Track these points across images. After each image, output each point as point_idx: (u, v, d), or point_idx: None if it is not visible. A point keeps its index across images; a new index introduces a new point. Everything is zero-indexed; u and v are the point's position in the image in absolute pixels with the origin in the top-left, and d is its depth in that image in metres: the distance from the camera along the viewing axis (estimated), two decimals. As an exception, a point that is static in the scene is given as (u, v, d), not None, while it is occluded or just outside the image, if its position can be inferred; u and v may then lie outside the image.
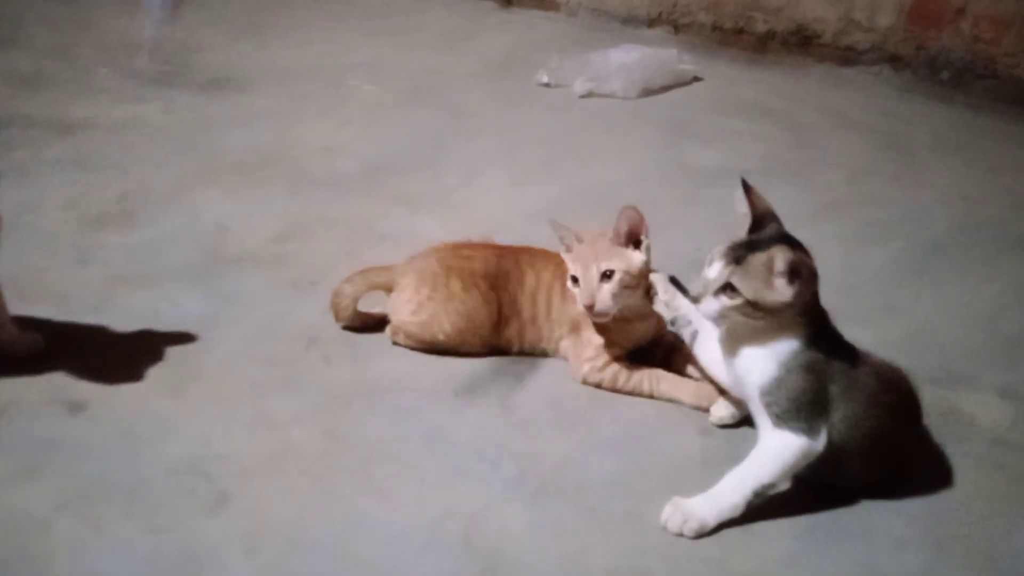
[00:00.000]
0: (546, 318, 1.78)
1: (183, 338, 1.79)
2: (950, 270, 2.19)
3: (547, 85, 3.24)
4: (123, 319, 1.83)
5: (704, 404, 1.66)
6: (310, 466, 1.51)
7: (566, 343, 1.78)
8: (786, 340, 1.42)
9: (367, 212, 2.33)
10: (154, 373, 1.69)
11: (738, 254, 1.40)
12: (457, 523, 1.41)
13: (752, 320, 1.41)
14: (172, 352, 1.75)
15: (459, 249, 1.84)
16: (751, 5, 3.58)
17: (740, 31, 3.64)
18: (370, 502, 1.45)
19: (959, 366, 1.83)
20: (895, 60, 3.39)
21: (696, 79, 3.32)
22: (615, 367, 1.71)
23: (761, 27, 3.59)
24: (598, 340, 1.71)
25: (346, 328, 1.84)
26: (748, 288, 1.38)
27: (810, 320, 1.43)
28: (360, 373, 1.75)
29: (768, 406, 1.42)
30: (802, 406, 1.41)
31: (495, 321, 1.78)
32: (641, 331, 1.74)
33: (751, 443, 1.59)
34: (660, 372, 1.71)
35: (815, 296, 1.44)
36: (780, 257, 1.37)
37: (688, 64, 3.32)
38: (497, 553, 1.37)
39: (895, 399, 1.48)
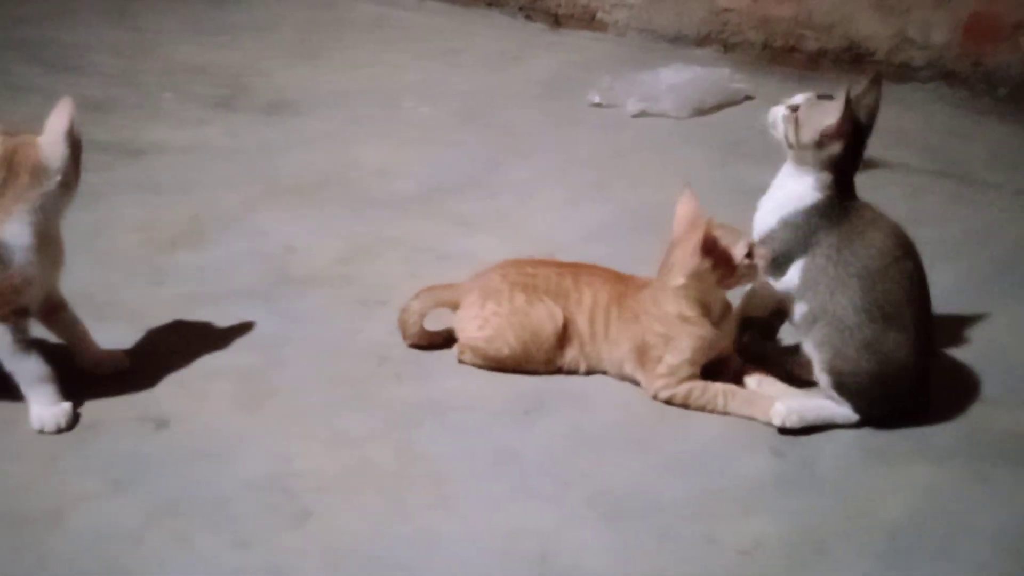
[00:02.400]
0: (604, 338, 1.79)
1: (257, 356, 1.84)
2: (1018, 290, 2.16)
3: (599, 105, 3.26)
4: (198, 337, 1.87)
5: (776, 420, 1.67)
6: (385, 483, 1.54)
7: (630, 365, 1.78)
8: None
9: (427, 232, 2.37)
10: (231, 390, 1.74)
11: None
12: (531, 543, 1.43)
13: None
14: (247, 369, 1.80)
15: (522, 266, 1.86)
16: (802, 23, 3.58)
17: (791, 49, 3.64)
18: (444, 520, 1.47)
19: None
20: (951, 77, 3.37)
21: (748, 98, 3.32)
22: (689, 383, 1.72)
23: (812, 45, 3.59)
24: (671, 359, 1.71)
25: (413, 346, 1.87)
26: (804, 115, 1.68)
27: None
28: (430, 391, 1.77)
29: None
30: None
31: (560, 337, 1.79)
32: (720, 343, 1.75)
33: (826, 463, 1.60)
34: (734, 388, 1.73)
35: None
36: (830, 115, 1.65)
37: (740, 83, 3.33)
38: (571, 573, 1.38)
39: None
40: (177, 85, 3.24)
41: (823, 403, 1.68)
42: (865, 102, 1.71)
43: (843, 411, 1.66)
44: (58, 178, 1.54)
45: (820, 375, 1.68)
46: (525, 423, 1.69)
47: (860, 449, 1.65)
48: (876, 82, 1.72)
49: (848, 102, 1.64)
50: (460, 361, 1.85)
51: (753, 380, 1.77)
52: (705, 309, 1.72)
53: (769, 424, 1.66)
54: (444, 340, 1.88)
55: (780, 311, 1.79)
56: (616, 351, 1.79)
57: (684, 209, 1.75)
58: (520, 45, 3.91)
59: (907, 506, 1.51)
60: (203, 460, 1.56)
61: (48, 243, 1.56)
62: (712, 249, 1.65)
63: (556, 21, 4.09)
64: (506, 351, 1.80)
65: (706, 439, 1.66)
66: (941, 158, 2.90)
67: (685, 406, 1.72)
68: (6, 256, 1.51)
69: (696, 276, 1.68)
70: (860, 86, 1.74)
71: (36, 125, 1.60)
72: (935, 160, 2.88)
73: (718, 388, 1.71)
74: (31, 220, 1.52)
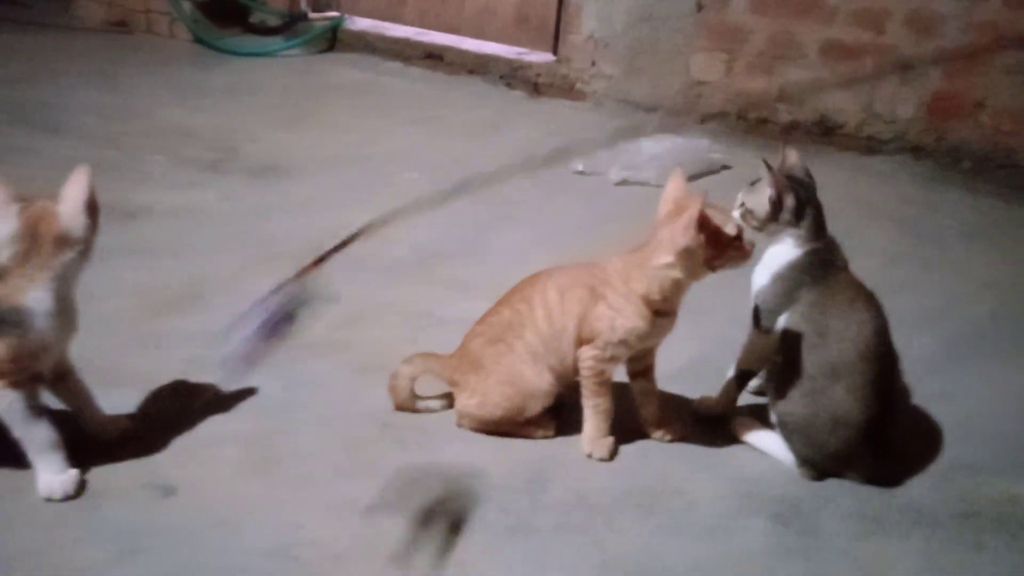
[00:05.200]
0: (562, 330, 1.78)
1: (261, 421, 1.84)
2: (994, 357, 2.25)
3: (582, 173, 3.35)
4: (199, 402, 1.87)
5: (588, 449, 1.80)
6: (398, 553, 1.54)
7: (569, 343, 1.78)
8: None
9: (423, 297, 2.40)
10: (237, 456, 1.74)
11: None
12: (548, 611, 1.44)
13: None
14: (252, 435, 1.80)
15: (476, 327, 1.90)
16: (775, 96, 3.75)
17: (764, 121, 3.79)
18: (460, 589, 1.48)
19: (1019, 455, 1.88)
20: (917, 150, 3.54)
21: (725, 167, 3.45)
22: (610, 368, 1.77)
23: (785, 117, 3.75)
24: (610, 336, 1.73)
25: (400, 409, 1.89)
26: (751, 202, 1.84)
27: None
28: (435, 457, 1.79)
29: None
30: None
31: (537, 371, 1.79)
32: (654, 339, 1.79)
33: (827, 530, 1.64)
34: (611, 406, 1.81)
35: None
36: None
37: (717, 153, 3.46)
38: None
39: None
40: (166, 148, 3.27)
41: (770, 436, 1.84)
42: (790, 162, 1.90)
43: (782, 447, 1.81)
44: (79, 247, 1.56)
45: (771, 414, 1.83)
46: (532, 491, 1.71)
47: (861, 517, 1.70)
48: (789, 146, 1.95)
49: (770, 167, 1.83)
50: (459, 426, 1.87)
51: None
52: (670, 299, 1.74)
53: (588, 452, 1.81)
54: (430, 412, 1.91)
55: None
56: (566, 337, 1.78)
57: (672, 189, 1.77)
58: (500, 113, 4.02)
59: (913, 572, 1.54)
60: (212, 528, 1.55)
61: (65, 309, 1.57)
62: (705, 226, 1.66)
63: (536, 90, 4.22)
64: (499, 412, 1.82)
65: (710, 505, 1.70)
66: (912, 228, 3.02)
67: (591, 388, 1.77)
68: (28, 322, 1.51)
69: (686, 254, 1.67)
70: (779, 157, 1.93)
71: (27, 186, 1.60)
72: (907, 230, 3.00)
73: (609, 394, 1.80)
74: (52, 287, 1.53)
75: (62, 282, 1.55)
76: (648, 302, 1.72)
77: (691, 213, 1.64)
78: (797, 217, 1.82)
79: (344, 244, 1.87)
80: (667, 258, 1.69)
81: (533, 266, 2.62)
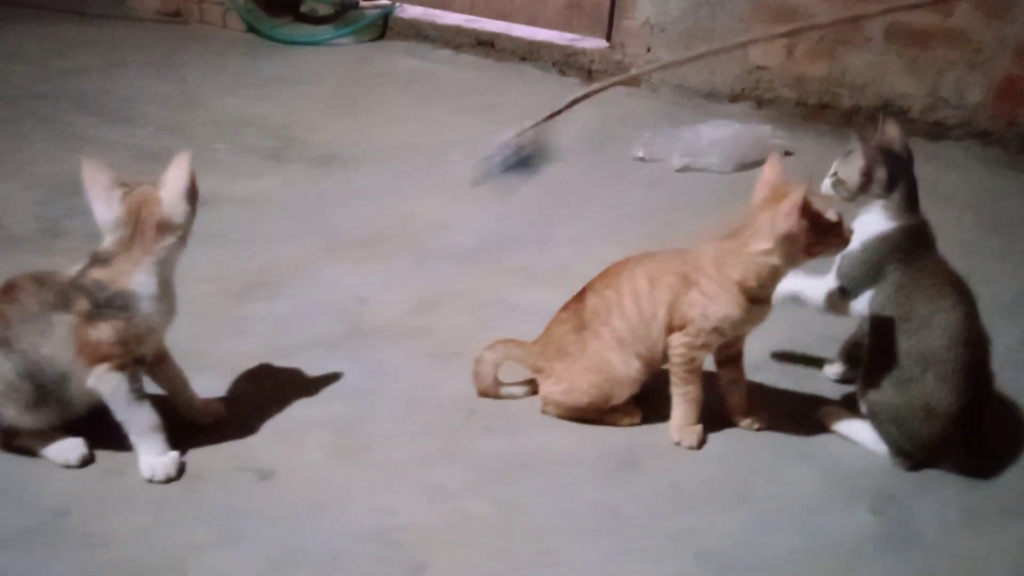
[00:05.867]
0: (651, 317, 1.76)
1: (346, 407, 1.85)
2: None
3: (642, 159, 3.33)
4: (287, 387, 1.89)
5: (676, 437, 1.79)
6: (491, 538, 1.55)
7: (659, 330, 1.76)
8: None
9: (491, 285, 2.40)
10: (327, 441, 1.75)
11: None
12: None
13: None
14: (339, 420, 1.81)
15: (560, 313, 1.89)
16: (836, 81, 3.68)
17: (825, 106, 3.73)
18: (555, 576, 1.48)
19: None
20: (984, 136, 3.46)
21: (787, 154, 3.40)
22: (701, 356, 1.76)
23: (846, 102, 3.68)
24: (703, 323, 1.71)
25: (483, 395, 1.89)
26: (842, 172, 1.84)
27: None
28: (520, 444, 1.79)
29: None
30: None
31: (624, 358, 1.78)
32: (746, 327, 1.77)
33: (925, 521, 1.62)
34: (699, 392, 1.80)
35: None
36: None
37: (779, 139, 3.41)
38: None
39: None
40: (227, 137, 3.30)
41: (861, 425, 1.80)
42: (889, 135, 1.87)
43: (873, 437, 1.78)
44: (179, 232, 1.57)
45: (860, 403, 1.79)
46: (620, 478, 1.71)
47: (958, 508, 1.67)
48: (889, 119, 1.91)
49: (864, 138, 1.82)
50: (543, 413, 1.87)
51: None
52: (766, 286, 1.72)
53: (675, 438, 1.81)
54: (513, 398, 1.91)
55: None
56: (655, 324, 1.77)
57: (769, 174, 1.75)
58: (553, 100, 3.94)
59: (1011, 565, 1.52)
60: (309, 512, 1.57)
61: (166, 293, 1.59)
62: (808, 212, 1.63)
63: (589, 76, 4.18)
64: (585, 400, 1.82)
65: (802, 494, 1.68)
66: (983, 217, 2.96)
67: (680, 375, 1.77)
68: (134, 306, 1.54)
69: (786, 240, 1.64)
70: (877, 131, 1.90)
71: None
72: (977, 219, 2.94)
73: (699, 382, 1.79)
74: (156, 271, 1.55)
75: (163, 266, 1.58)
76: (743, 289, 1.70)
77: (794, 198, 1.62)
78: (887, 190, 1.80)
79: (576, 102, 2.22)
80: (766, 244, 1.67)
81: (599, 253, 2.61)
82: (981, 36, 3.37)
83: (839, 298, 1.86)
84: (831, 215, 1.66)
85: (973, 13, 3.37)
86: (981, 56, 3.39)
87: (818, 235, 1.65)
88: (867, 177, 1.79)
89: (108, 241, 1.55)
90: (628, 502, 1.65)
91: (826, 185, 1.86)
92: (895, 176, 1.80)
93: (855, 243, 1.81)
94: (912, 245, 1.80)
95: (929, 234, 1.84)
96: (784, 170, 1.75)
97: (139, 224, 1.54)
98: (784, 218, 1.63)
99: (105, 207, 1.54)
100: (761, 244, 1.67)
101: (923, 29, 3.47)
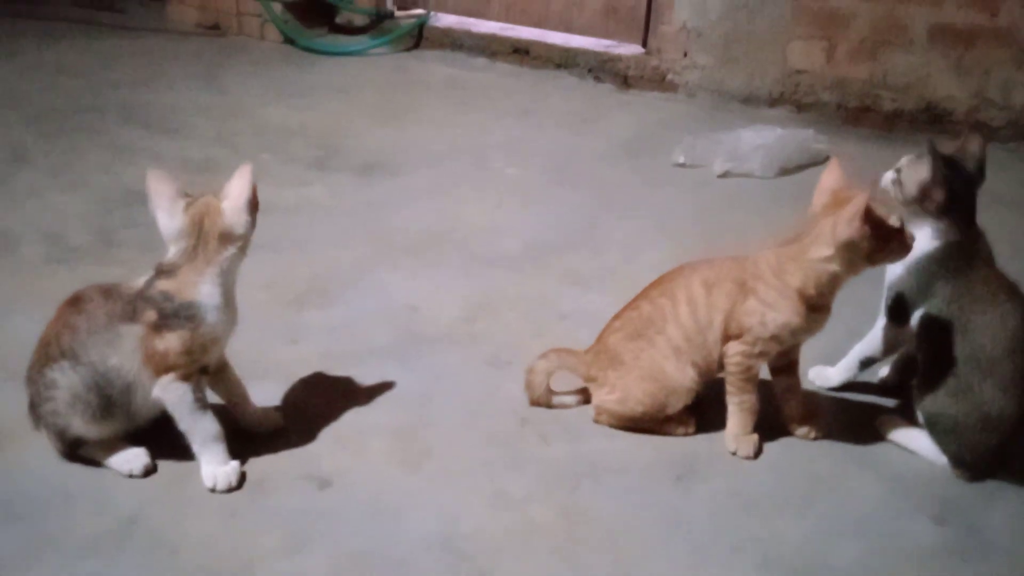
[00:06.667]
0: (708, 325, 1.75)
1: (404, 414, 1.86)
2: None
3: (683, 165, 3.32)
4: (344, 395, 1.91)
5: (732, 446, 1.78)
6: (557, 545, 1.55)
7: (716, 337, 1.76)
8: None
9: (541, 291, 2.41)
10: (387, 448, 1.76)
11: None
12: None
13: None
14: (398, 427, 1.82)
15: (613, 322, 1.88)
16: (878, 83, 3.65)
17: (866, 109, 3.70)
18: (622, 582, 1.47)
19: None
20: (1033, 137, 3.42)
21: (828, 158, 3.36)
22: (758, 364, 1.75)
23: (888, 105, 3.65)
24: (761, 331, 1.71)
25: (535, 404, 1.90)
26: (905, 175, 1.80)
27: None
28: (578, 452, 1.79)
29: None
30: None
31: (679, 366, 1.78)
32: (804, 335, 1.76)
33: (993, 530, 1.59)
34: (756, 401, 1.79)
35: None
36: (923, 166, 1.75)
37: (822, 143, 3.38)
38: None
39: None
40: (272, 146, 3.33)
41: (919, 434, 1.78)
42: (971, 151, 1.81)
43: (932, 448, 1.76)
44: (240, 243, 1.59)
45: (917, 412, 1.77)
46: (683, 486, 1.70)
47: (1022, 518, 1.65)
48: (974, 132, 1.85)
49: (936, 155, 1.74)
50: (596, 422, 1.87)
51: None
52: (826, 293, 1.70)
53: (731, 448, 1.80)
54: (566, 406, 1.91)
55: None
56: (711, 332, 1.76)
57: (828, 180, 1.73)
58: (593, 105, 4.00)
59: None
60: (373, 519, 1.58)
61: (229, 302, 1.61)
62: (870, 218, 1.61)
63: (625, 82, 4.18)
64: (640, 409, 1.81)
65: (865, 503, 1.67)
66: (1035, 217, 2.92)
67: (737, 384, 1.76)
68: (200, 316, 1.56)
69: (848, 246, 1.63)
70: (957, 140, 1.85)
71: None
72: (1029, 218, 2.90)
73: (755, 391, 1.78)
74: (219, 281, 1.58)
75: (226, 276, 1.60)
76: (803, 296, 1.69)
77: (857, 204, 1.60)
78: (942, 211, 1.76)
79: None
80: (827, 251, 1.65)
81: (647, 258, 2.62)
82: (1029, 35, 3.33)
83: (893, 328, 1.85)
84: (893, 221, 1.64)
85: (1020, 11, 3.32)
86: (1028, 56, 3.35)
87: (880, 242, 1.64)
88: (925, 194, 1.75)
89: (172, 252, 1.57)
90: (691, 510, 1.64)
91: (886, 179, 1.83)
92: (954, 199, 1.75)
93: (899, 267, 1.79)
94: (960, 260, 1.76)
95: (982, 245, 1.80)
96: (844, 175, 1.73)
97: (202, 234, 1.56)
98: (846, 224, 1.62)
99: (169, 217, 1.56)
100: (822, 250, 1.66)
101: (968, 29, 3.43)
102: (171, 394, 1.57)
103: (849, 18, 3.63)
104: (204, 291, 1.56)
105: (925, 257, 1.77)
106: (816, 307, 1.70)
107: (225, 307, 1.59)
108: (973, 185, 1.80)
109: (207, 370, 1.64)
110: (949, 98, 3.53)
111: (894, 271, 1.83)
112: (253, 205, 1.61)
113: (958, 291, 1.74)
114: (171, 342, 1.54)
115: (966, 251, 1.77)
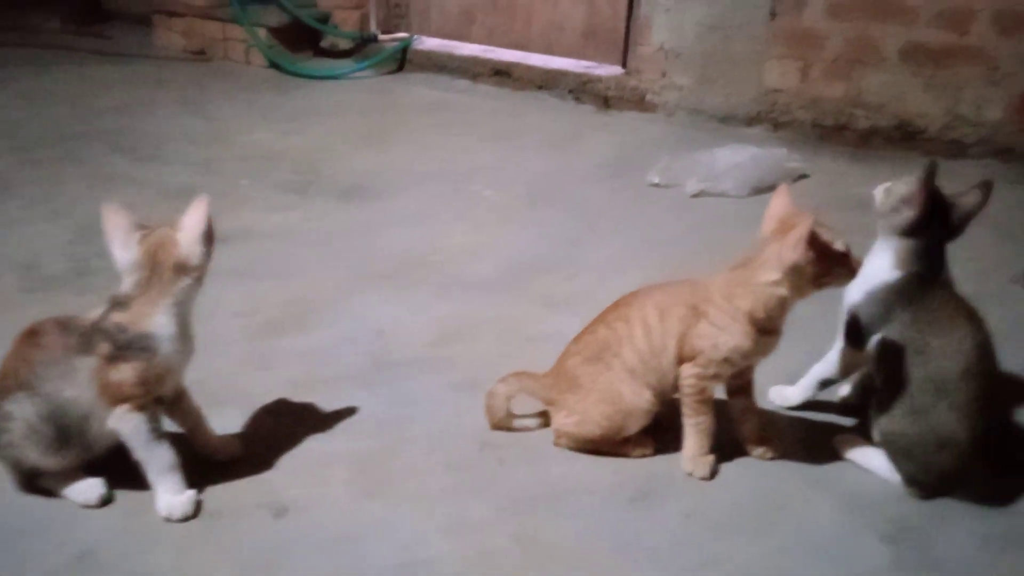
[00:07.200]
0: (661, 349, 1.77)
1: (367, 441, 1.88)
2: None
3: (658, 185, 3.35)
4: (308, 422, 1.92)
5: (688, 467, 1.80)
6: (513, 571, 1.56)
7: (670, 361, 1.77)
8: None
9: (515, 314, 2.43)
10: (347, 475, 1.78)
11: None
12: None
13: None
14: (359, 455, 1.84)
15: (571, 345, 1.90)
16: (852, 102, 3.68)
17: (842, 127, 3.73)
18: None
19: None
20: (1005, 153, 3.45)
21: (803, 176, 3.40)
22: (712, 386, 1.76)
23: (863, 123, 3.68)
24: (713, 354, 1.72)
25: (496, 428, 1.91)
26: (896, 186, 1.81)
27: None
28: (537, 475, 1.80)
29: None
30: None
31: (636, 389, 1.79)
32: (755, 358, 1.77)
33: (943, 551, 1.61)
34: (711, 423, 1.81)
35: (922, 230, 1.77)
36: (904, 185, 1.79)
37: (796, 162, 3.41)
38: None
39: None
40: (254, 172, 3.37)
41: (876, 454, 1.80)
42: (967, 199, 1.80)
43: (888, 467, 1.77)
44: (196, 274, 1.62)
45: (873, 432, 1.79)
46: (636, 509, 1.71)
47: (975, 536, 1.66)
48: (985, 188, 1.80)
49: (930, 175, 1.75)
50: (556, 445, 1.88)
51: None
52: (775, 317, 1.72)
53: (688, 469, 1.82)
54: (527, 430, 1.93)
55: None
56: (666, 356, 1.78)
57: (777, 205, 1.75)
58: (573, 127, 4.04)
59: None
60: (330, 548, 1.59)
61: (185, 333, 1.63)
62: (815, 243, 1.63)
63: (605, 103, 4.23)
64: (598, 432, 1.83)
65: (820, 523, 1.68)
66: (1006, 234, 2.94)
67: (692, 406, 1.78)
68: (154, 347, 1.58)
69: (794, 271, 1.65)
70: (968, 191, 1.81)
71: (135, 214, 1.67)
72: (1001, 236, 2.92)
73: (711, 412, 1.80)
74: (174, 312, 1.60)
75: (181, 307, 1.62)
76: (753, 320, 1.71)
77: (801, 229, 1.62)
78: (906, 232, 1.78)
79: None
80: (774, 275, 1.68)
81: (619, 281, 2.63)
82: (998, 53, 3.36)
83: (851, 352, 1.87)
84: (839, 246, 1.67)
85: (988, 30, 3.36)
86: (998, 73, 3.39)
87: (826, 266, 1.66)
88: (902, 204, 1.77)
89: (127, 284, 1.60)
90: (646, 533, 1.65)
91: (879, 191, 1.84)
92: (925, 227, 1.76)
93: (859, 293, 1.81)
94: (920, 287, 1.77)
95: (943, 280, 1.81)
96: (793, 200, 1.76)
97: (156, 266, 1.59)
98: (791, 249, 1.64)
99: (123, 250, 1.59)
100: (769, 275, 1.68)
101: (939, 47, 3.47)
102: (126, 425, 1.59)
103: (823, 38, 3.67)
104: (158, 322, 1.59)
105: (884, 287, 1.79)
106: (766, 330, 1.72)
107: (180, 337, 1.62)
108: (949, 228, 1.80)
109: (163, 400, 1.66)
110: (922, 116, 3.56)
111: (852, 296, 1.84)
112: (209, 236, 1.64)
113: (916, 316, 1.75)
114: (125, 373, 1.56)
115: (926, 282, 1.78)
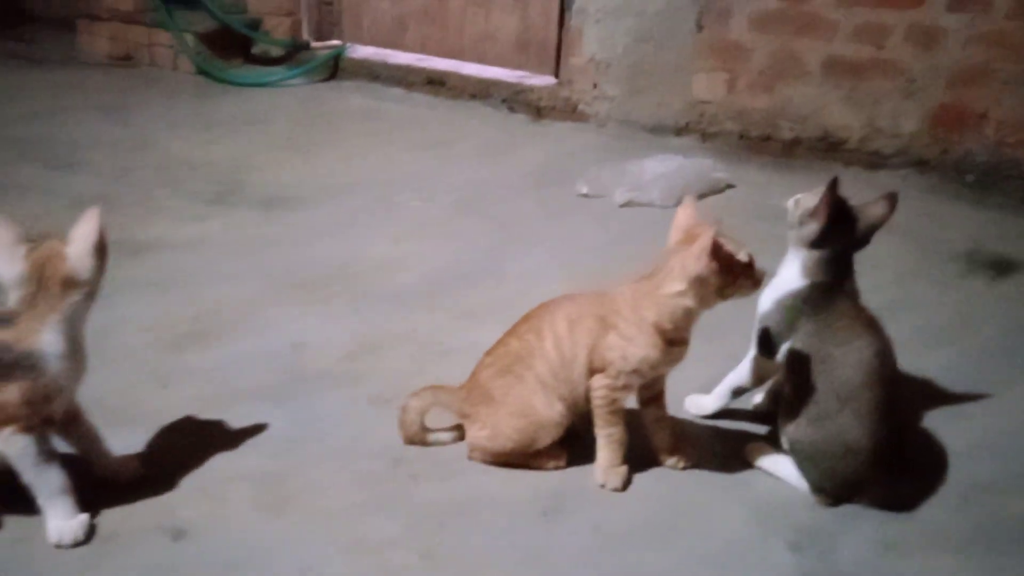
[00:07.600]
0: (572, 360, 1.77)
1: (272, 458, 1.83)
2: (1008, 374, 2.23)
3: (586, 195, 3.36)
4: (212, 440, 1.87)
5: (601, 479, 1.79)
6: (413, 589, 1.53)
7: (582, 373, 1.77)
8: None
9: (432, 326, 2.40)
10: (249, 495, 1.73)
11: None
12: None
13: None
14: (264, 473, 1.79)
15: (485, 358, 1.88)
16: (777, 114, 3.74)
17: (767, 138, 3.79)
18: (475, 625, 1.46)
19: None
20: (921, 164, 3.53)
21: (729, 186, 3.44)
22: (622, 396, 1.76)
23: (787, 134, 3.75)
24: (622, 365, 1.72)
25: (409, 443, 1.88)
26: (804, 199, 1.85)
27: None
28: (449, 490, 1.78)
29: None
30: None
31: (548, 402, 1.78)
32: (664, 368, 1.77)
33: (846, 557, 1.62)
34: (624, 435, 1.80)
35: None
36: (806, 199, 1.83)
37: (721, 172, 3.46)
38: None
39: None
40: (173, 181, 3.29)
41: (785, 461, 1.82)
42: (873, 211, 1.84)
43: (796, 474, 1.79)
44: (86, 288, 1.56)
45: (782, 440, 1.82)
46: (547, 523, 1.70)
47: (878, 542, 1.68)
48: (891, 199, 1.84)
49: (832, 190, 1.79)
50: (470, 459, 1.86)
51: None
52: (682, 327, 1.72)
53: (601, 480, 1.80)
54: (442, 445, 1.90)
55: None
56: (576, 367, 1.77)
57: (682, 217, 1.76)
58: (506, 136, 4.04)
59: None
60: (227, 570, 1.54)
61: (75, 350, 1.57)
62: (718, 254, 1.64)
63: (538, 113, 4.23)
64: (510, 445, 1.81)
65: (727, 532, 1.68)
66: (920, 243, 3.01)
67: (603, 417, 1.77)
68: (41, 366, 1.51)
69: (698, 282, 1.66)
70: (875, 202, 1.85)
71: (41, 224, 1.61)
72: (914, 245, 2.99)
73: (622, 423, 1.79)
74: (63, 328, 1.54)
75: (71, 323, 1.56)
76: (660, 331, 1.71)
77: (704, 241, 1.63)
78: (812, 244, 1.81)
79: None
80: (679, 286, 1.68)
81: (542, 291, 2.60)
82: (913, 66, 3.45)
83: (763, 360, 1.89)
84: (742, 256, 1.68)
85: (903, 45, 3.45)
86: (915, 86, 3.48)
87: (730, 276, 1.67)
88: (808, 217, 1.81)
89: (12, 299, 1.53)
90: (556, 546, 1.64)
91: (791, 202, 1.88)
92: (828, 240, 1.80)
93: (769, 302, 1.84)
94: (824, 297, 1.81)
95: (849, 284, 1.84)
96: (697, 212, 1.77)
97: (43, 281, 1.52)
98: (695, 260, 1.65)
99: (8, 264, 1.52)
100: (674, 286, 1.69)
101: (858, 61, 3.55)
102: (12, 447, 1.52)
103: (749, 51, 3.73)
104: (46, 340, 1.52)
105: (791, 294, 1.83)
106: (673, 341, 1.73)
107: (71, 355, 1.55)
108: (854, 240, 1.83)
109: (53, 420, 1.59)
110: (844, 127, 3.64)
111: (763, 305, 1.87)
112: (100, 249, 1.58)
113: (819, 326, 1.78)
114: (10, 394, 1.49)
115: (830, 291, 1.82)
